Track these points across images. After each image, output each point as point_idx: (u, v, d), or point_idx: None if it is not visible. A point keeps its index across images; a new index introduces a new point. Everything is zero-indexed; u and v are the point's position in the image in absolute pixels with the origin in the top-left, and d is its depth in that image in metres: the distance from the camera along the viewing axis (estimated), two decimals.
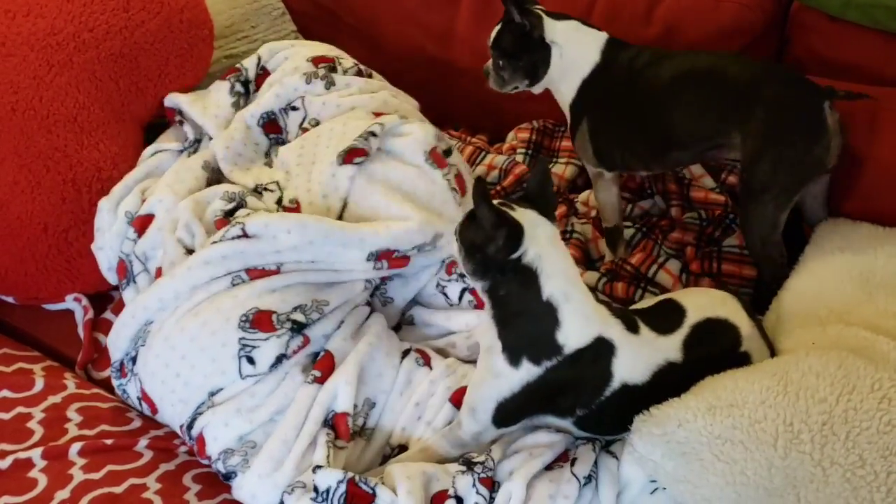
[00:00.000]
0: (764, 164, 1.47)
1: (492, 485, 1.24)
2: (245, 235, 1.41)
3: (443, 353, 1.49)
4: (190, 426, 1.37)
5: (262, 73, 1.77)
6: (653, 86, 1.57)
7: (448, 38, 2.12)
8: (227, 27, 2.08)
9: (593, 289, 1.69)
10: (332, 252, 1.43)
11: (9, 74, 1.60)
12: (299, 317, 1.39)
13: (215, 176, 1.62)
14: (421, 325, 1.55)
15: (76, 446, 1.40)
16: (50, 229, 1.61)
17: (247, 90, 1.75)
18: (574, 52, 1.63)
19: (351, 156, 1.51)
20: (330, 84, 1.70)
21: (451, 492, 1.23)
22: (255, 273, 1.40)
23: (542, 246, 1.21)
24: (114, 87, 1.67)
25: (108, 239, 1.57)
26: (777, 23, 1.87)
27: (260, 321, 1.36)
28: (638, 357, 1.26)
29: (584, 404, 1.28)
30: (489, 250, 1.20)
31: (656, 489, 1.24)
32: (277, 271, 1.41)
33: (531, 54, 1.62)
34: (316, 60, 1.74)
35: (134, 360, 1.44)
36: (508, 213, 1.21)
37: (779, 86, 1.49)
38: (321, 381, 1.37)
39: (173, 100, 1.74)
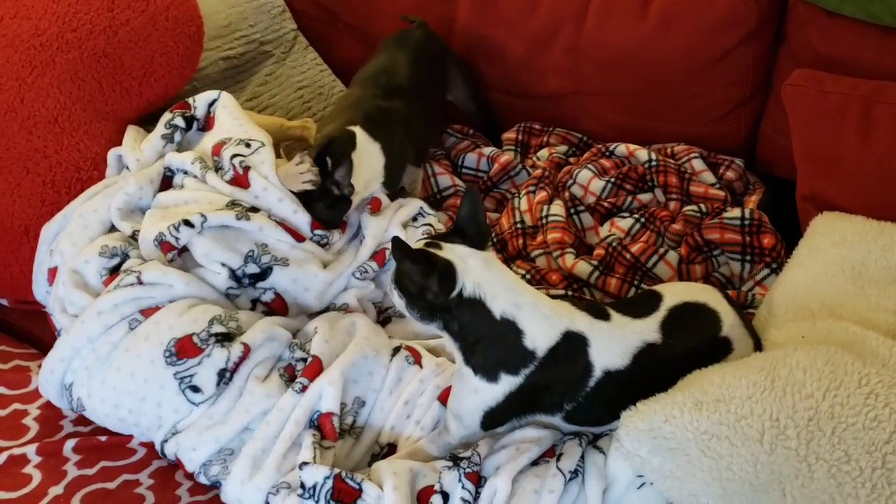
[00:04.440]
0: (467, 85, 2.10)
1: (478, 480, 1.24)
2: (140, 283, 1.40)
3: (433, 351, 1.49)
4: (162, 452, 1.38)
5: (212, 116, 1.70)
6: (404, 107, 1.80)
7: (446, 35, 2.12)
8: (224, 27, 2.08)
9: (586, 282, 1.68)
10: None
11: None
12: (219, 328, 1.38)
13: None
14: (411, 320, 1.54)
15: (70, 443, 1.41)
16: (31, 232, 1.60)
17: (189, 126, 1.67)
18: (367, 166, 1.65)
19: (164, 248, 1.47)
20: (205, 172, 1.59)
21: (437, 487, 1.24)
22: (149, 312, 1.39)
23: (478, 273, 1.24)
24: (96, 86, 1.66)
25: (38, 274, 1.54)
26: (773, 17, 1.87)
27: (184, 349, 1.35)
28: (613, 342, 1.27)
29: (571, 398, 1.28)
30: (428, 297, 1.23)
31: (643, 484, 1.23)
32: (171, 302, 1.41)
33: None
34: (216, 149, 1.62)
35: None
36: (437, 254, 1.23)
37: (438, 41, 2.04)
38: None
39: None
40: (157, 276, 1.41)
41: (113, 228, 1.54)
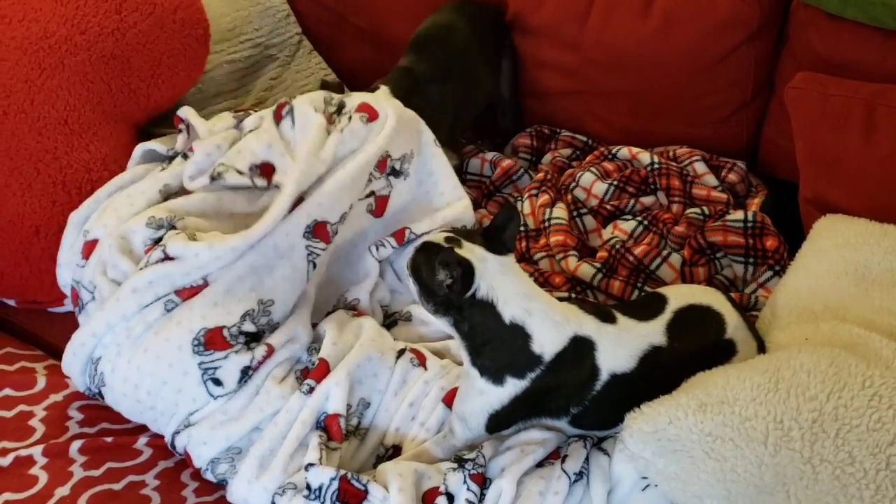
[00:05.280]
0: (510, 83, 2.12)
1: (483, 481, 1.25)
2: (167, 258, 1.39)
3: (438, 354, 1.49)
4: (172, 444, 1.38)
5: None
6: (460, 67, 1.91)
7: None
8: (229, 30, 2.08)
9: (589, 284, 1.69)
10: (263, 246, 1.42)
11: (1, 79, 1.61)
12: (249, 327, 1.38)
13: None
14: (417, 323, 1.56)
15: (77, 444, 1.42)
16: (42, 232, 1.61)
17: None
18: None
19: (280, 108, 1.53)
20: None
21: (442, 489, 1.24)
22: (185, 293, 1.38)
23: (493, 277, 1.24)
24: (105, 88, 1.67)
25: (67, 257, 1.54)
26: (775, 19, 1.87)
27: (213, 340, 1.35)
28: (620, 345, 1.28)
29: (578, 402, 1.29)
30: (442, 293, 1.23)
31: (648, 486, 1.24)
32: (206, 284, 1.39)
33: None
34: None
35: (101, 394, 1.44)
36: (457, 252, 1.23)
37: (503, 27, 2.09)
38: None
39: (184, 112, 1.68)
40: (180, 248, 1.38)
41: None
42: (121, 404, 1.41)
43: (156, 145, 1.65)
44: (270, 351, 1.38)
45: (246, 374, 1.36)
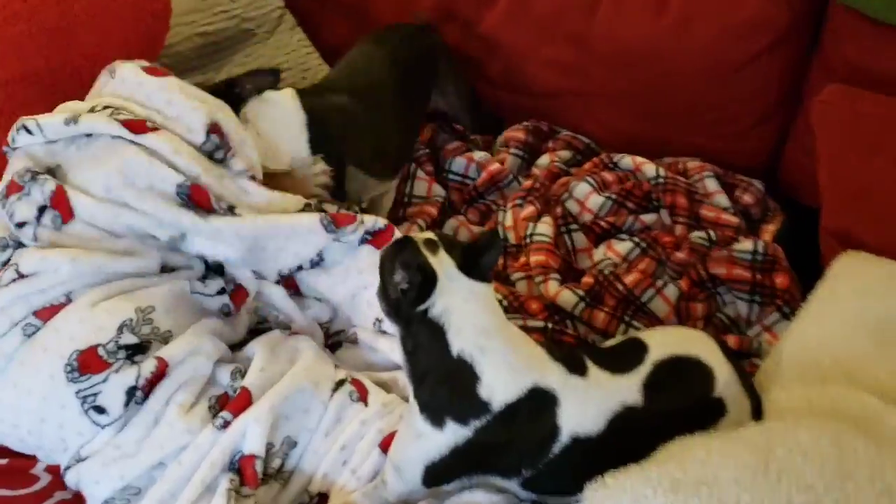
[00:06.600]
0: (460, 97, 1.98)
1: None
2: (21, 276, 1.24)
3: (385, 386, 1.32)
4: (64, 480, 1.22)
5: None
6: (384, 95, 1.71)
7: (442, 16, 2.00)
8: (202, 0, 1.95)
9: (569, 314, 1.50)
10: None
11: None
12: (129, 338, 1.21)
13: None
14: (365, 348, 1.39)
15: None
16: None
17: None
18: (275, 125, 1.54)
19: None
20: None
21: None
22: (45, 313, 1.22)
23: (453, 300, 1.11)
24: (44, 65, 1.51)
25: None
26: (807, 23, 1.72)
27: (87, 363, 1.18)
28: (587, 403, 1.12)
29: (531, 464, 1.12)
30: (396, 295, 1.11)
31: None
32: (68, 300, 1.23)
33: None
34: None
35: None
36: (426, 259, 1.11)
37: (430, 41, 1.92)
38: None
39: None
40: (36, 263, 1.24)
41: None
42: (6, 442, 1.26)
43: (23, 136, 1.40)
44: (163, 367, 1.21)
45: (132, 395, 1.19)
